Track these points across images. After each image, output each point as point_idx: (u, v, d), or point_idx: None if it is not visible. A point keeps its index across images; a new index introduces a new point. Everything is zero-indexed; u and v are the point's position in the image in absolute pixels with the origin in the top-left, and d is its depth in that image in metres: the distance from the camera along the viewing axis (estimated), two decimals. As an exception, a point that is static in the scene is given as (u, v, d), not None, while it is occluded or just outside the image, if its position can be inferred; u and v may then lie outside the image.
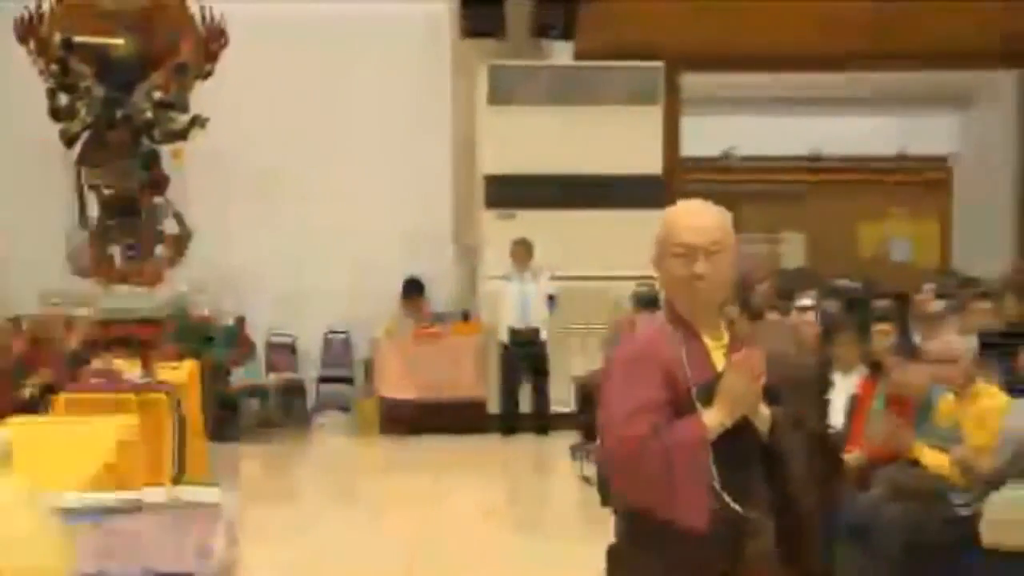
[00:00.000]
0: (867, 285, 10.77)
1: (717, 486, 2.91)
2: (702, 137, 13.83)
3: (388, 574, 7.25)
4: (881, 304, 8.85)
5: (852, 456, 6.47)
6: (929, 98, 15.12)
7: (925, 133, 15.68)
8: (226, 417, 11.59)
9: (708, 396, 2.94)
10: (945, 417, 6.07)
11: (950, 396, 6.07)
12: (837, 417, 7.02)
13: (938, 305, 9.29)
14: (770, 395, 3.02)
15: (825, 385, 7.13)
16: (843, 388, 7.15)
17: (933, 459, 5.93)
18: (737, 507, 2.91)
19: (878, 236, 16.18)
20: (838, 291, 10.21)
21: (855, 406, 6.87)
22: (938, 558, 5.65)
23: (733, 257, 3.05)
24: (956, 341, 6.26)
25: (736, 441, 2.95)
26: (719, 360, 3.04)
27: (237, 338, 12.26)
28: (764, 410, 3.01)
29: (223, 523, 2.96)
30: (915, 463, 6.03)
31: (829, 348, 7.62)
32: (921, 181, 16.08)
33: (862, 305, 9.06)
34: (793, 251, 14.20)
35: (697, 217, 3.06)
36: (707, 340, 3.07)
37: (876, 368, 6.90)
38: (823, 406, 6.97)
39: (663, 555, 2.98)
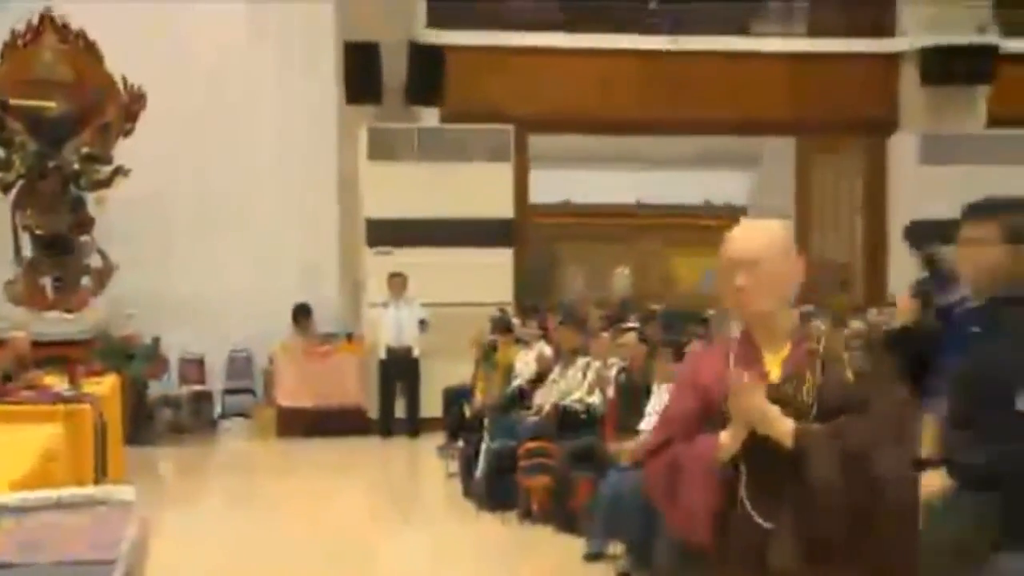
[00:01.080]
0: (680, 310, 10.87)
1: (746, 501, 2.60)
2: (547, 187, 13.88)
3: (285, 563, 7.06)
4: (692, 326, 8.93)
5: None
6: (728, 158, 15.43)
7: (725, 186, 15.98)
8: (143, 424, 11.28)
9: None
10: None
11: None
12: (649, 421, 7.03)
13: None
14: (826, 408, 2.60)
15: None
16: (660, 396, 7.16)
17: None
18: (762, 521, 2.57)
19: (690, 270, 16.41)
20: (657, 315, 10.28)
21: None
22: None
23: (779, 270, 2.68)
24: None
25: (768, 456, 2.58)
26: (775, 371, 2.69)
27: (154, 355, 11.97)
28: (782, 423, 2.57)
29: (135, 518, 2.80)
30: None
31: (651, 363, 7.63)
32: (723, 225, 16.29)
33: (677, 327, 9.12)
34: (622, 282, 14.27)
35: (740, 234, 2.76)
36: (766, 352, 2.72)
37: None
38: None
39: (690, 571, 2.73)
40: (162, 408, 12.04)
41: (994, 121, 13.18)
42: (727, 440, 2.61)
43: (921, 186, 12.98)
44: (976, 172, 12.77)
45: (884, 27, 13.53)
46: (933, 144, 13.04)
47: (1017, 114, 12.90)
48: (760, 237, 2.73)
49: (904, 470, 2.59)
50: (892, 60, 13.37)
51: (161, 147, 11.43)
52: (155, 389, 11.91)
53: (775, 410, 2.59)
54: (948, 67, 12.89)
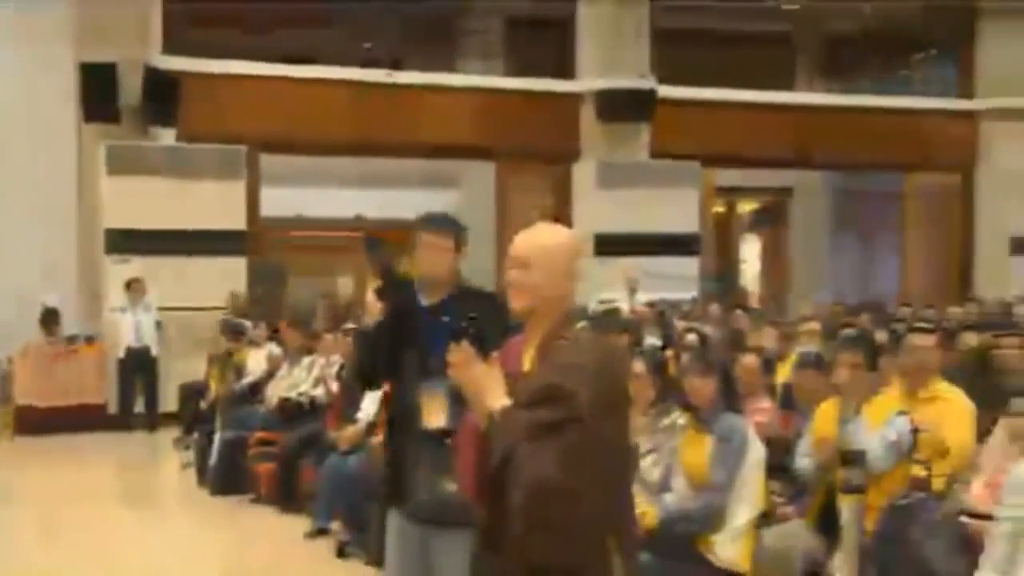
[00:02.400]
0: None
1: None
2: (279, 203, 13.66)
3: (23, 555, 6.64)
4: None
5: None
6: (437, 178, 15.63)
7: (434, 203, 16.09)
8: None
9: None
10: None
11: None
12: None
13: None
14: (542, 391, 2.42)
15: None
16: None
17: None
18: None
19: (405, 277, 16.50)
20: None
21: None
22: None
23: (545, 273, 2.54)
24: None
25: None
26: (528, 363, 2.56)
27: None
28: (491, 400, 2.44)
29: None
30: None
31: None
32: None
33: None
34: (344, 288, 14.28)
35: (522, 235, 2.61)
36: (530, 346, 2.58)
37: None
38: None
39: None
40: None
41: (655, 153, 14.03)
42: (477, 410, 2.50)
43: (599, 206, 13.65)
44: (642, 195, 13.61)
45: (567, 70, 14.14)
46: (608, 171, 13.72)
47: (672, 147, 13.81)
48: (534, 238, 2.61)
49: (536, 466, 2.36)
50: (574, 99, 13.97)
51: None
52: None
53: (493, 389, 2.46)
54: (617, 107, 13.62)
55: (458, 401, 2.84)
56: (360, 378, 4.20)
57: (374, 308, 3.57)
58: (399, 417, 3.56)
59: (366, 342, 3.64)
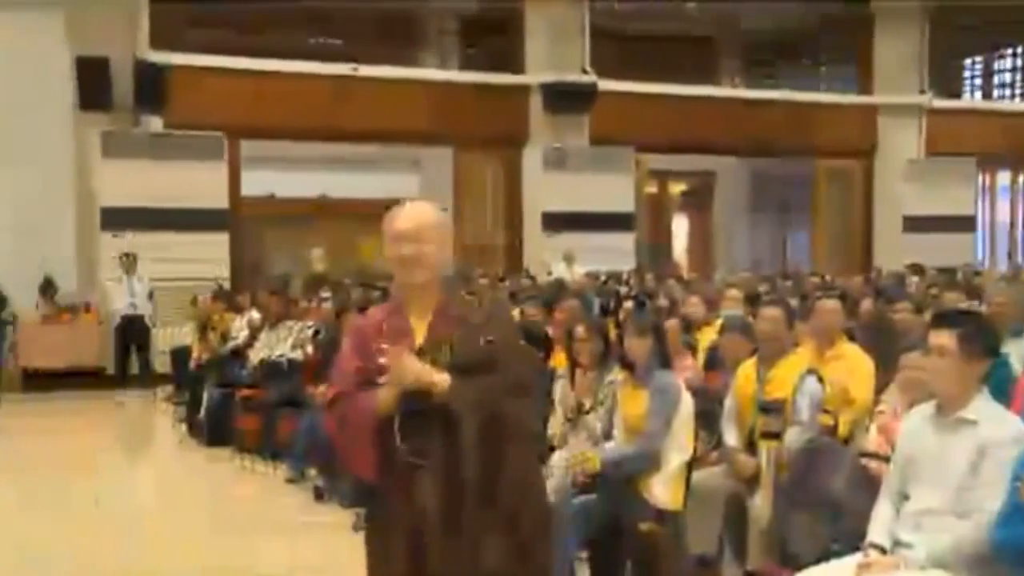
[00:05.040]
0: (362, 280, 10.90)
1: (401, 446, 2.41)
2: (256, 182, 13.49)
3: (24, 489, 6.55)
4: (375, 293, 9.00)
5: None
6: (400, 161, 15.52)
7: (398, 184, 16.00)
8: None
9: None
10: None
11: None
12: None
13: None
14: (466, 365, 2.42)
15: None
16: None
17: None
18: (417, 461, 2.40)
19: (371, 250, 16.41)
20: (343, 285, 10.29)
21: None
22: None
23: (436, 245, 2.50)
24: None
25: (419, 407, 2.41)
26: (420, 335, 2.49)
27: None
28: (439, 378, 2.40)
29: None
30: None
31: (341, 323, 7.61)
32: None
33: (357, 293, 9.16)
34: (318, 260, 14.12)
35: (404, 212, 2.54)
36: (414, 319, 2.52)
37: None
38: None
39: (370, 511, 2.58)
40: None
41: (594, 139, 14.05)
42: (384, 397, 2.45)
43: (544, 187, 13.66)
44: (583, 177, 13.63)
45: (516, 65, 14.09)
46: (553, 156, 13.73)
47: (609, 134, 13.84)
48: (422, 215, 2.55)
49: (528, 420, 2.44)
50: (523, 90, 13.94)
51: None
52: None
53: (428, 369, 2.42)
54: (562, 98, 13.62)
55: None
56: None
57: None
58: None
59: None
